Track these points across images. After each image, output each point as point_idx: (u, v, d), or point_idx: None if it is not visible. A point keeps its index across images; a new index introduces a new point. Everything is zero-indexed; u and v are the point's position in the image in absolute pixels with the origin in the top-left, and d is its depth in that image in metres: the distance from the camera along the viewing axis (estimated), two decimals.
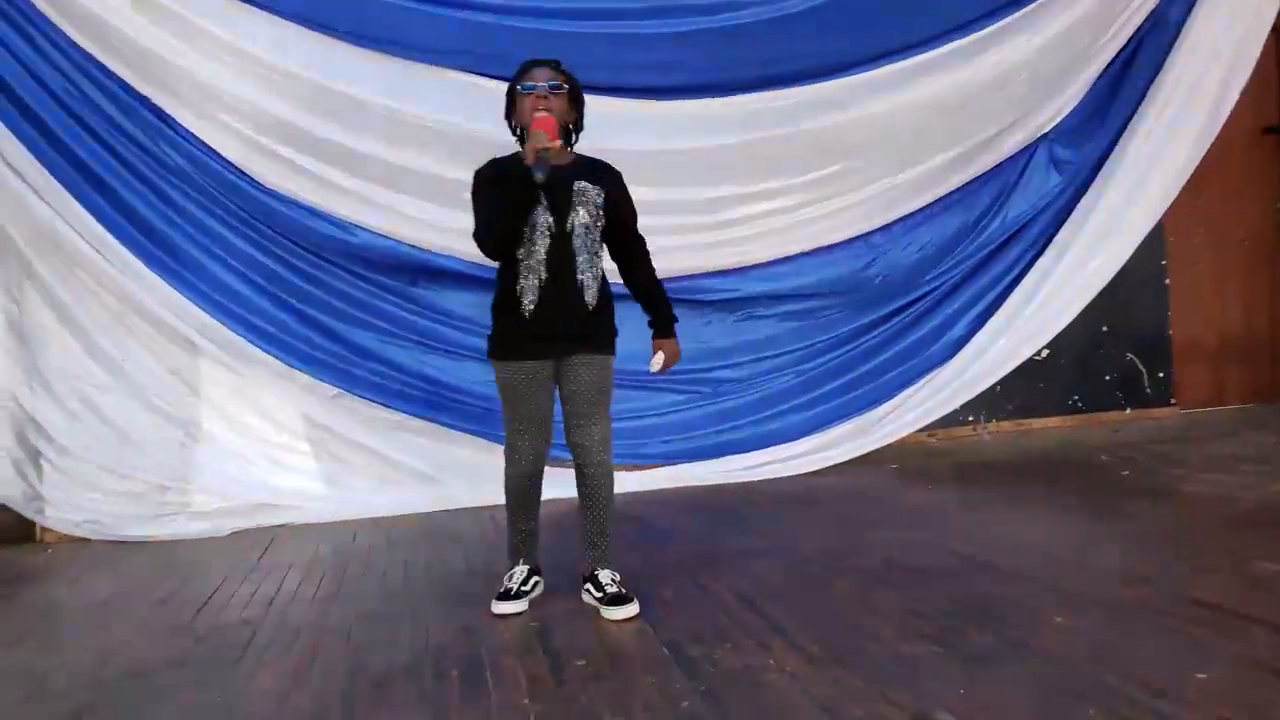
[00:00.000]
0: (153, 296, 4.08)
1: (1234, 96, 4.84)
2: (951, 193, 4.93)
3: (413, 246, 4.33)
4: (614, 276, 2.81)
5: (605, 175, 2.72)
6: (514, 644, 2.49)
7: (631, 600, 2.63)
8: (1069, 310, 4.93)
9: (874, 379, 4.91)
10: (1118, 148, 4.87)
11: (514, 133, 2.70)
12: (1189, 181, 4.93)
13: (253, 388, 4.25)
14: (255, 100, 4.09)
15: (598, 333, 2.69)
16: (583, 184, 2.65)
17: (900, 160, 4.77)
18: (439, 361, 4.43)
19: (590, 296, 2.65)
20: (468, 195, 2.69)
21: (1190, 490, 3.80)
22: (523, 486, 2.76)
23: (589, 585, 2.72)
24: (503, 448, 2.76)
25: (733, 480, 4.53)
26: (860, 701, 1.96)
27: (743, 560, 3.13)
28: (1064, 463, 4.55)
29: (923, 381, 4.93)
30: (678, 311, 4.85)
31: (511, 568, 2.81)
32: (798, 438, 4.75)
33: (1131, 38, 4.82)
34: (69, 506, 4.05)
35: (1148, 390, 5.65)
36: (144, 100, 4.03)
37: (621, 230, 2.76)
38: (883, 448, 4.82)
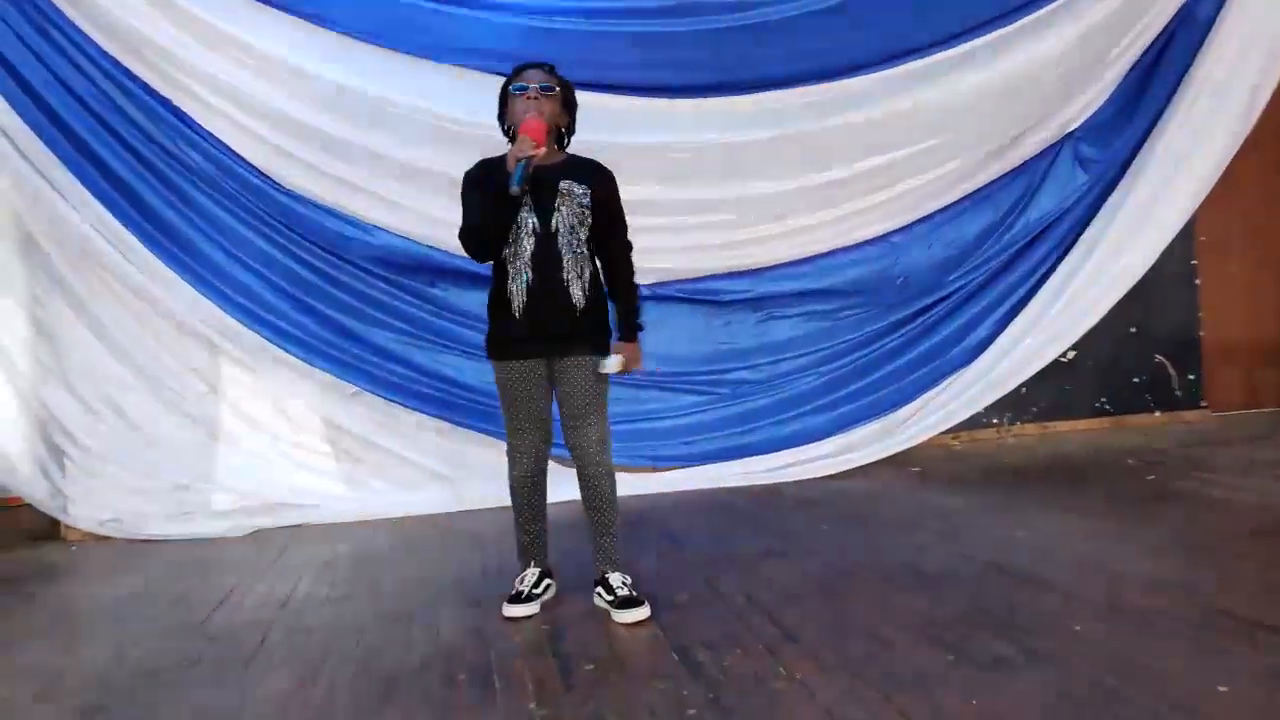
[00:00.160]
0: (174, 297, 4.12)
1: (1267, 94, 4.72)
2: (975, 191, 4.86)
3: (431, 247, 4.33)
4: None
5: (594, 175, 2.70)
6: (524, 647, 2.47)
7: (642, 603, 2.61)
8: (1096, 310, 4.84)
9: (897, 380, 4.84)
10: (1146, 145, 4.76)
11: (505, 133, 2.70)
12: (1220, 178, 4.82)
13: (272, 388, 4.28)
14: (275, 102, 4.11)
15: (588, 333, 2.67)
16: (569, 184, 2.64)
17: (924, 160, 4.70)
18: (457, 362, 4.43)
19: (577, 297, 2.63)
20: None
21: (1219, 496, 3.71)
22: (526, 486, 2.75)
23: (600, 588, 2.71)
24: None
25: (753, 482, 4.48)
26: (869, 711, 1.92)
27: (758, 564, 3.10)
28: (1090, 466, 4.47)
29: (946, 383, 4.86)
30: (698, 312, 4.82)
31: (522, 570, 2.80)
32: (819, 439, 4.71)
33: (1159, 35, 4.71)
34: (92, 505, 4.10)
35: (1177, 393, 5.54)
36: (165, 102, 4.07)
37: (603, 230, 2.71)
38: (905, 450, 4.76)
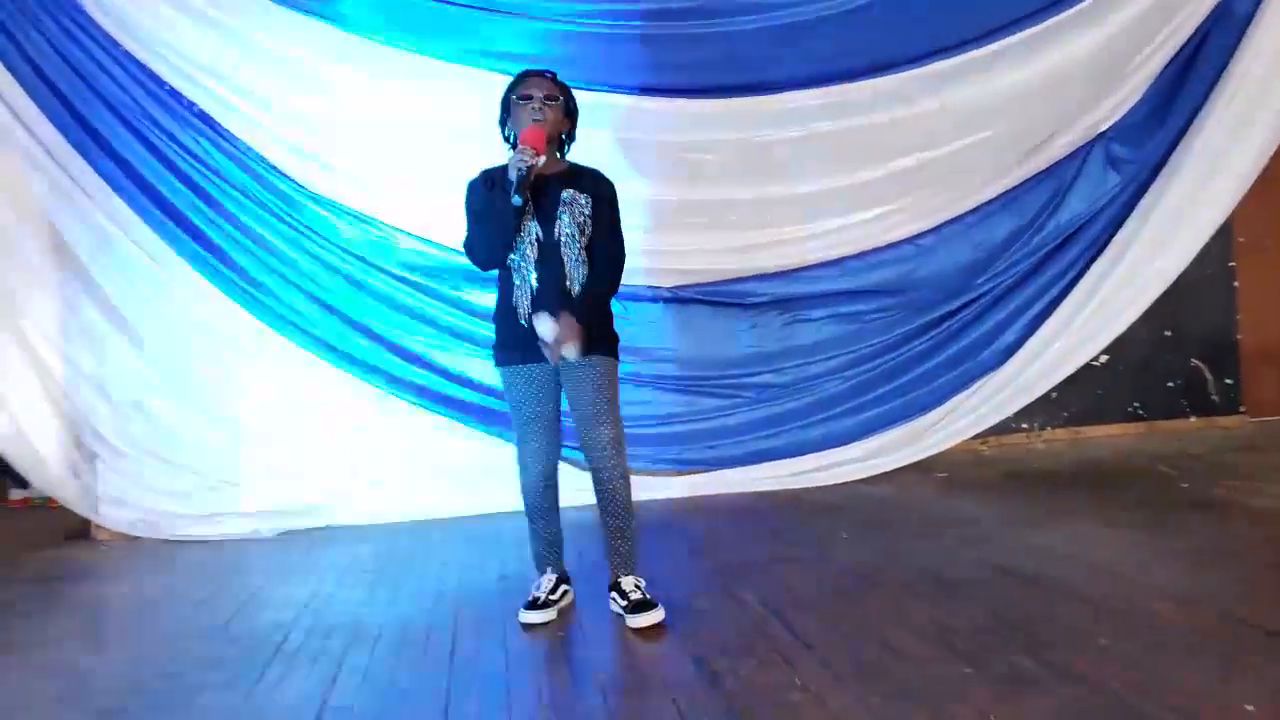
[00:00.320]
0: (202, 300, 4.17)
1: None
2: (1005, 193, 4.78)
3: (457, 251, 4.34)
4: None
5: (595, 183, 2.71)
6: (538, 654, 2.47)
7: (655, 606, 2.60)
8: (1128, 313, 4.73)
9: (925, 384, 4.77)
10: (1181, 145, 4.64)
11: (506, 140, 2.72)
12: (1259, 178, 4.70)
13: (300, 390, 4.31)
14: (301, 107, 4.15)
15: (593, 337, 2.65)
16: (571, 192, 2.65)
17: (953, 161, 4.63)
18: (480, 366, 4.43)
19: (581, 301, 2.62)
20: None
21: (1254, 505, 3.62)
22: (537, 492, 2.75)
23: (614, 593, 2.70)
24: None
25: (777, 487, 4.46)
26: None
27: (777, 569, 3.08)
28: (1121, 473, 4.39)
29: (975, 387, 4.78)
30: (723, 315, 4.76)
31: (539, 576, 2.80)
32: (846, 444, 4.66)
33: (1194, 33, 4.60)
34: (122, 505, 4.17)
35: (1214, 397, 5.42)
36: (192, 107, 4.12)
37: (598, 235, 2.69)
38: (932, 456, 4.71)
